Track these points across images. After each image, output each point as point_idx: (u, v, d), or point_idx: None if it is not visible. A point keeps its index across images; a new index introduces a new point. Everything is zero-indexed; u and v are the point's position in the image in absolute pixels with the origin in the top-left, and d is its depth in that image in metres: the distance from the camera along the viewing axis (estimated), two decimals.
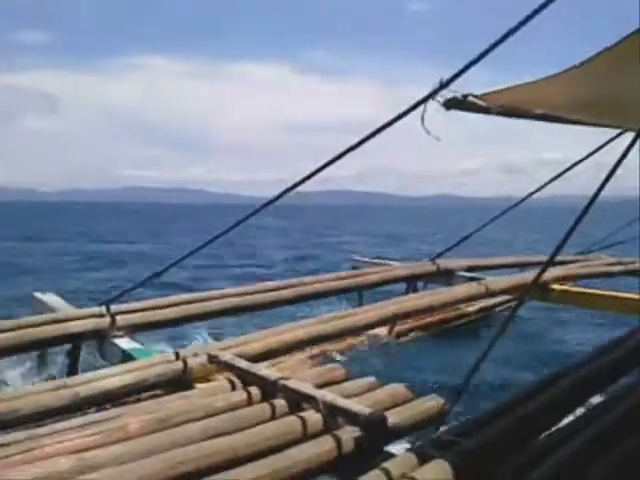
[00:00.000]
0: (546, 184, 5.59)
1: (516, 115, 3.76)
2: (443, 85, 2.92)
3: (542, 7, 2.37)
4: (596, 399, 3.31)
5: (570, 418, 3.00)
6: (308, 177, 3.31)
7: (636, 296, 5.61)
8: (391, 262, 6.99)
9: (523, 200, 5.85)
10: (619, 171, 2.65)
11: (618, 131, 4.79)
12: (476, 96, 3.29)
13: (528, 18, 2.47)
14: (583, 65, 2.53)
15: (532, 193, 5.76)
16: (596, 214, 2.72)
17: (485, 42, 2.67)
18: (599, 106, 3.60)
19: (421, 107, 2.89)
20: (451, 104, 3.18)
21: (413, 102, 2.92)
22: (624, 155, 2.69)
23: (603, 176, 2.66)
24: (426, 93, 2.92)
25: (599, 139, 5.10)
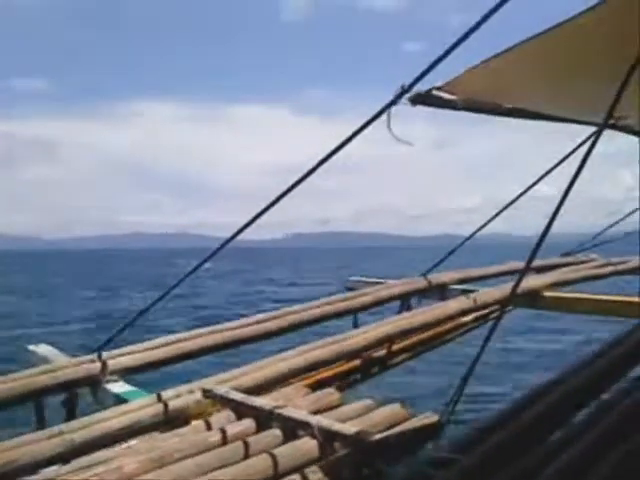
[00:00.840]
0: (495, 216, 5.62)
1: (484, 111, 3.78)
2: (405, 90, 2.98)
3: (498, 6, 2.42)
4: (593, 404, 3.30)
5: (568, 425, 3.00)
6: (272, 203, 3.35)
7: (629, 298, 5.62)
8: (385, 280, 6.98)
9: (472, 235, 5.88)
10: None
11: (582, 138, 4.76)
12: (440, 88, 3.32)
13: (486, 16, 2.53)
14: (551, 31, 2.56)
15: (480, 227, 5.79)
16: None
17: None
18: (567, 96, 3.61)
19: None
20: (417, 100, 3.22)
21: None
22: (590, 150, 2.72)
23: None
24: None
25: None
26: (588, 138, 4.64)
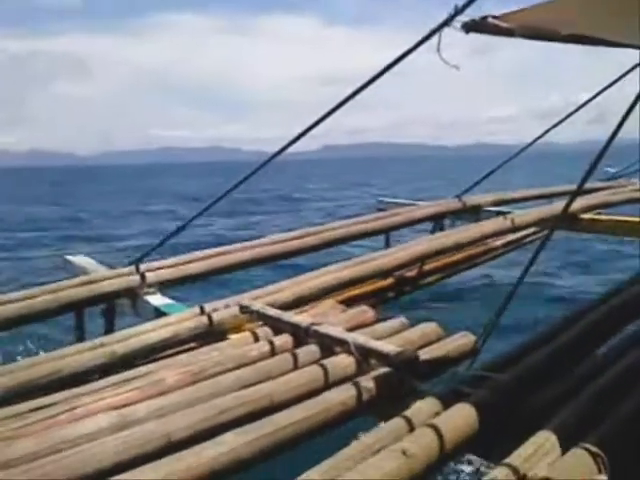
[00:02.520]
0: (559, 122, 5.48)
1: (541, 37, 3.62)
2: (458, 11, 2.83)
3: None
4: (630, 329, 3.29)
5: (603, 350, 2.99)
6: (316, 123, 3.27)
7: None
8: (417, 202, 6.93)
9: (535, 141, 5.74)
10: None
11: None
12: (496, 17, 3.17)
13: None
14: None
15: (531, 143, 5.66)
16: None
17: None
18: (633, 21, 3.44)
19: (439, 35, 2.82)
20: (470, 27, 3.08)
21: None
22: None
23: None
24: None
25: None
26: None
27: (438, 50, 2.88)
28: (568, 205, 2.86)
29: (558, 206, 5.68)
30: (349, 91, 3.25)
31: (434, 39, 2.83)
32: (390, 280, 4.94)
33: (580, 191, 2.80)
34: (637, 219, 5.79)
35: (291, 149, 3.52)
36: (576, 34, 3.59)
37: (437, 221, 6.13)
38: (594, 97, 5.40)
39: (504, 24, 3.24)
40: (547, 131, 5.65)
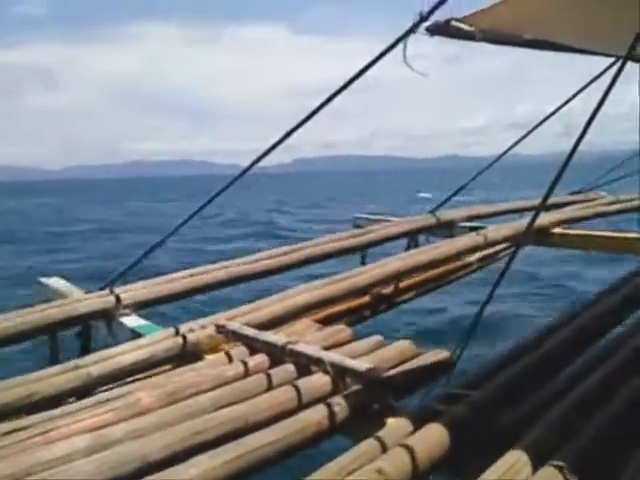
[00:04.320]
0: (528, 134, 5.61)
1: (503, 42, 3.70)
2: (423, 18, 2.89)
3: None
4: (602, 343, 3.34)
5: (575, 365, 3.04)
6: (284, 138, 3.31)
7: (637, 235, 5.63)
8: (392, 218, 6.98)
9: (505, 153, 5.88)
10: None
11: (608, 63, 4.72)
12: (459, 19, 3.24)
13: None
14: None
15: (513, 145, 5.79)
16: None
17: None
18: (590, 27, 3.53)
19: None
20: (434, 30, 3.14)
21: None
22: (612, 82, 2.67)
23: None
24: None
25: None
26: (608, 68, 4.57)
27: (404, 57, 2.94)
28: (533, 220, 2.92)
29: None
30: (319, 102, 3.30)
31: (402, 48, 2.89)
32: (366, 298, 4.96)
33: (546, 206, 2.86)
34: (607, 233, 5.90)
35: (262, 163, 3.54)
36: (538, 39, 3.68)
37: (412, 237, 6.18)
38: (559, 108, 5.55)
39: (467, 27, 3.31)
40: (516, 142, 5.77)
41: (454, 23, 3.20)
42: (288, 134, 3.32)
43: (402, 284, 5.30)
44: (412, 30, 2.90)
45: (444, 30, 3.19)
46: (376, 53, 3.07)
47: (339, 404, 2.43)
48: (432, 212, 6.45)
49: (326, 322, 3.97)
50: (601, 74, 4.92)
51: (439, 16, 3.07)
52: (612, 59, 4.45)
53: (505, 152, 5.90)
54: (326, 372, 2.67)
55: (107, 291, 3.87)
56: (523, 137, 5.71)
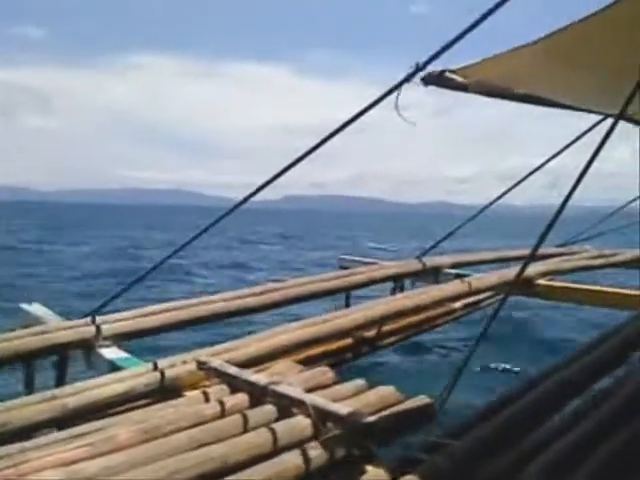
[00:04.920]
0: (516, 184, 5.71)
1: (495, 95, 3.79)
2: (419, 68, 2.96)
3: None
4: (586, 394, 3.33)
5: (558, 416, 3.02)
6: (277, 176, 3.34)
7: (620, 290, 5.69)
8: (378, 261, 7.00)
9: (493, 202, 5.97)
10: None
11: (597, 120, 4.84)
12: (453, 71, 3.31)
13: (501, 3, 2.52)
14: (572, 27, 2.57)
15: (490, 204, 5.88)
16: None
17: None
18: (581, 87, 3.62)
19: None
20: (429, 80, 3.21)
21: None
22: (604, 139, 2.72)
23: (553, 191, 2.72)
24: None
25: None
26: (596, 124, 4.67)
27: (396, 105, 2.99)
28: (522, 271, 2.93)
29: (514, 270, 5.83)
30: (315, 141, 3.33)
31: (396, 95, 2.95)
32: (349, 340, 4.94)
33: (533, 257, 2.88)
34: (591, 287, 5.95)
35: (253, 198, 3.55)
36: (529, 94, 3.76)
37: (397, 281, 6.19)
38: (547, 161, 5.67)
39: (460, 79, 3.38)
40: (504, 193, 5.86)
41: (448, 74, 3.28)
42: (282, 172, 3.34)
43: (386, 327, 5.28)
44: (407, 79, 2.96)
45: (438, 81, 3.27)
46: (372, 98, 3.11)
47: (319, 448, 2.39)
48: (419, 257, 6.47)
49: (308, 363, 3.93)
50: (589, 130, 5.03)
51: (433, 66, 3.14)
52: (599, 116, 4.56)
53: (493, 202, 5.98)
54: (307, 415, 2.62)
55: (88, 319, 3.82)
56: (511, 188, 5.80)
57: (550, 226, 2.67)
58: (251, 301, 4.68)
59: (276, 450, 2.41)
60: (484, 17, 2.60)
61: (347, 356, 4.99)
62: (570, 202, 2.76)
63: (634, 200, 7.53)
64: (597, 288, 5.93)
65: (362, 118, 3.18)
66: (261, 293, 4.84)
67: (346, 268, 6.53)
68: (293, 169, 3.39)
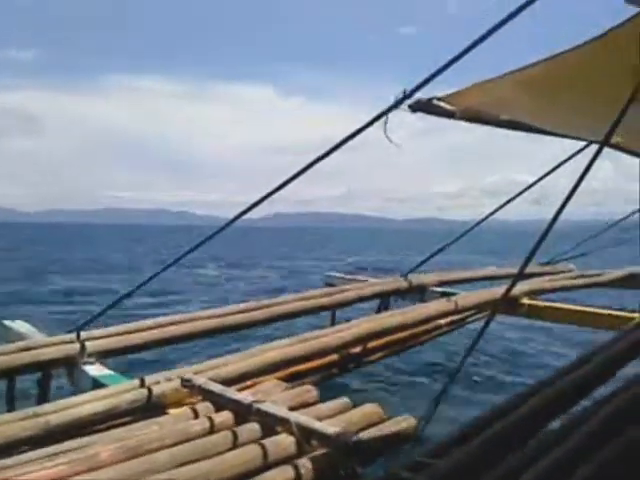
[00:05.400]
0: (507, 202, 5.79)
1: (481, 121, 3.86)
2: (407, 95, 3.02)
3: (509, 18, 2.47)
4: (569, 414, 3.34)
5: (542, 435, 3.03)
6: (272, 192, 3.37)
7: (604, 311, 5.75)
8: (364, 278, 7.01)
9: (483, 220, 6.05)
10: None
11: (582, 145, 4.94)
12: (441, 98, 3.38)
13: (491, 31, 2.57)
14: (557, 58, 2.63)
15: (493, 212, 5.95)
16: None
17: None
18: (565, 114, 3.69)
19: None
20: (416, 107, 3.26)
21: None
22: (589, 166, 2.77)
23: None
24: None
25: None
26: (582, 149, 4.76)
27: (385, 131, 3.04)
28: (508, 290, 2.96)
29: (500, 289, 5.86)
30: (300, 161, 3.36)
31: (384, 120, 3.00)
32: (334, 357, 4.92)
33: (520, 277, 2.91)
34: (574, 307, 6.00)
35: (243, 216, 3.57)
36: (514, 120, 3.83)
37: (383, 299, 6.19)
38: (539, 180, 5.73)
39: (447, 106, 3.44)
40: (496, 210, 5.93)
41: (435, 102, 3.34)
42: (274, 191, 3.37)
43: (371, 344, 5.28)
44: (395, 106, 3.02)
45: (426, 107, 3.33)
46: (355, 118, 3.16)
47: (304, 466, 2.39)
48: (405, 275, 6.49)
49: (293, 379, 3.92)
50: (576, 154, 5.13)
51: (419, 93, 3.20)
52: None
53: (483, 219, 6.05)
54: (291, 433, 2.62)
55: (73, 336, 3.78)
56: (502, 206, 5.87)
57: (536, 247, 2.69)
58: (238, 318, 4.67)
59: (260, 467, 2.41)
60: (472, 47, 2.64)
61: (332, 372, 4.98)
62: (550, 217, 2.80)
63: (633, 213, 7.67)
64: (581, 308, 5.98)
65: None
66: (248, 310, 4.83)
67: (332, 285, 6.53)
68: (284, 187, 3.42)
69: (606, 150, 2.88)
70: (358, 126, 3.07)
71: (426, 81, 2.81)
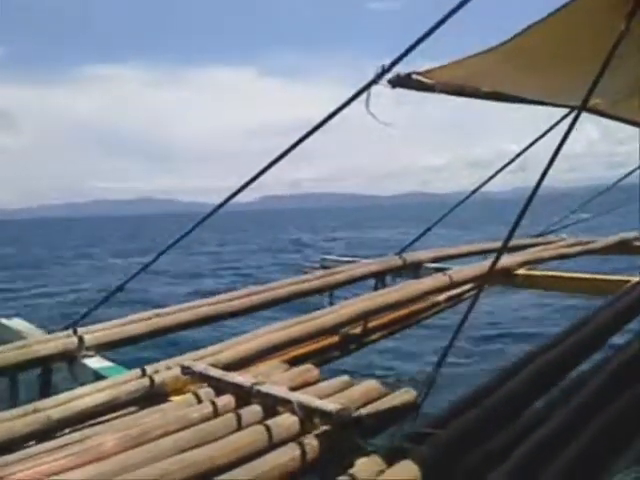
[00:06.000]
0: (491, 177, 5.80)
1: (461, 94, 3.86)
2: (385, 70, 3.02)
3: None
4: (568, 379, 3.37)
5: (543, 401, 3.05)
6: (253, 179, 3.37)
7: (598, 276, 5.78)
8: (359, 259, 7.02)
9: (473, 193, 6.06)
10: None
11: (563, 113, 4.94)
12: (420, 73, 3.37)
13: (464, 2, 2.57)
14: (531, 29, 2.63)
15: (480, 187, 5.98)
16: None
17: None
18: (545, 82, 3.69)
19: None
20: (396, 82, 3.26)
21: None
22: (567, 133, 2.78)
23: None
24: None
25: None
26: (565, 117, 4.77)
27: (367, 107, 3.04)
28: (496, 261, 2.98)
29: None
30: (283, 142, 3.37)
31: (365, 94, 3.00)
32: (335, 338, 4.95)
33: (509, 247, 2.92)
34: (570, 274, 6.03)
35: (231, 201, 3.57)
36: (495, 91, 3.83)
37: (379, 278, 6.21)
38: (524, 150, 5.75)
39: (427, 80, 3.44)
40: (482, 184, 5.96)
41: (415, 76, 3.34)
42: (259, 174, 3.37)
43: (370, 324, 5.30)
44: (375, 81, 3.02)
45: (405, 82, 3.32)
46: (337, 95, 3.16)
47: (307, 445, 2.40)
48: (399, 253, 6.50)
49: (294, 362, 3.93)
50: (557, 123, 5.14)
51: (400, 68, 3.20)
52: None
53: (472, 193, 6.06)
54: (294, 413, 2.64)
55: (70, 331, 3.80)
56: (489, 179, 5.89)
57: (520, 218, 2.71)
58: (234, 304, 4.68)
59: (264, 448, 2.41)
60: (446, 17, 2.64)
61: (333, 354, 5.01)
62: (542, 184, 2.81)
63: (633, 171, 7.69)
64: (576, 275, 6.00)
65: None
66: (242, 296, 4.83)
67: (327, 268, 6.54)
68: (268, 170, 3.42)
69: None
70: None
71: (402, 56, 2.81)
